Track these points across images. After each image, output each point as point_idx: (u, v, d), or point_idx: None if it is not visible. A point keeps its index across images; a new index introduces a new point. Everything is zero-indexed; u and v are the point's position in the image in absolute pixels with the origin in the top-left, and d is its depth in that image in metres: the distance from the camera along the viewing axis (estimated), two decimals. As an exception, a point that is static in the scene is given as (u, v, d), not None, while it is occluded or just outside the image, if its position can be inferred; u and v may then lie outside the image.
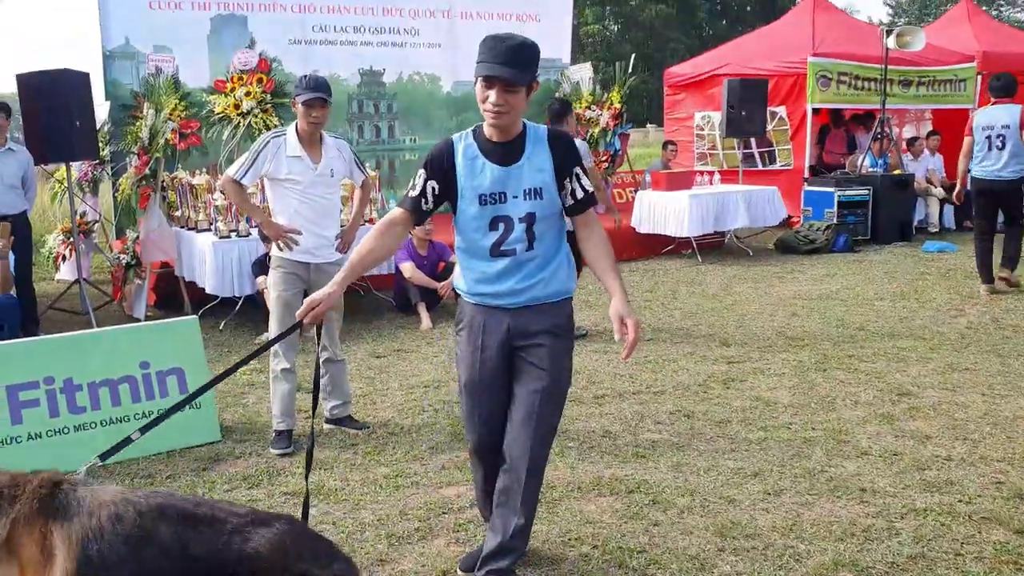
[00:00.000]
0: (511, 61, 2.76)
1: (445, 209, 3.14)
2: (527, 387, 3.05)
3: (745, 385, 5.60)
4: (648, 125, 33.57)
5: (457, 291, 3.20)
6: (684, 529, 3.63)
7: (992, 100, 8.10)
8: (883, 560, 3.33)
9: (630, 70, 12.01)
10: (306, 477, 3.02)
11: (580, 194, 3.01)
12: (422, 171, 2.99)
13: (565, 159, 2.98)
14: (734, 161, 13.65)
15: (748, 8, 46.96)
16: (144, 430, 2.48)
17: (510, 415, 3.09)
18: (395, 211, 3.05)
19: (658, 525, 3.68)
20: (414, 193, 3.00)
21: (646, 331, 6.91)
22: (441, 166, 2.97)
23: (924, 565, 3.28)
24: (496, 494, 3.12)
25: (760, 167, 13.57)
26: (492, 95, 2.79)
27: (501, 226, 2.96)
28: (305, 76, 4.56)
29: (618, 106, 11.96)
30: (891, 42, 11.33)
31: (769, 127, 13.17)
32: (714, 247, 11.20)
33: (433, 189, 2.98)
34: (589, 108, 11.56)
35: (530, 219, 2.97)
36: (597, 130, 12.15)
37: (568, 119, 7.18)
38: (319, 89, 4.44)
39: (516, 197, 2.94)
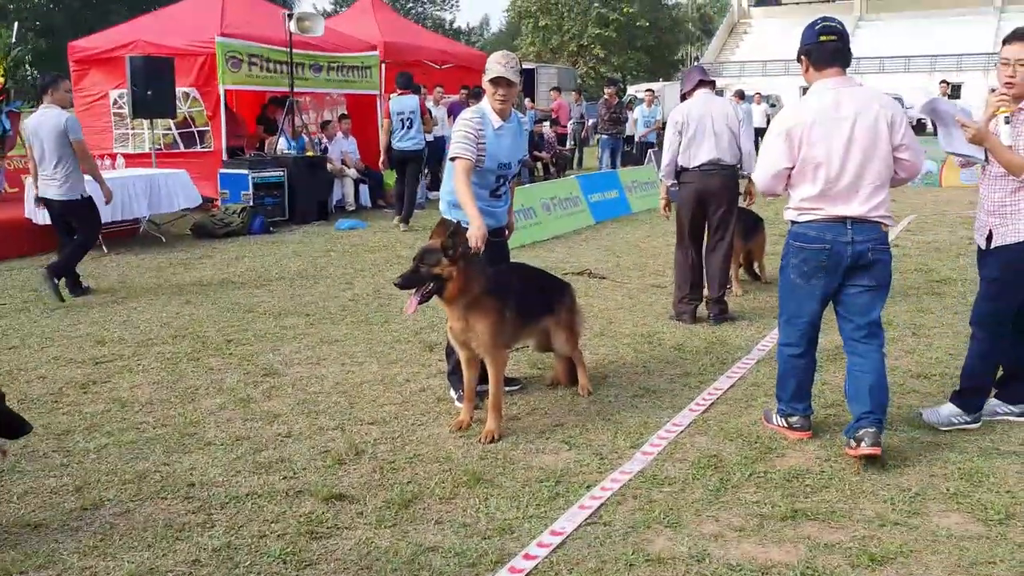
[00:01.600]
0: None
1: None
2: None
3: (106, 387, 5.06)
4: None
5: None
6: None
7: (399, 92, 11.18)
8: (186, 560, 3.11)
9: (14, 39, 10.41)
10: None
11: None
12: None
13: None
14: (166, 141, 12.91)
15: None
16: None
17: None
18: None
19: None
20: None
21: None
22: None
23: (226, 555, 3.14)
24: None
25: (183, 149, 13.00)
26: None
27: None
28: None
29: (1, 80, 10.36)
30: (293, 26, 11.57)
31: (185, 108, 12.64)
32: (127, 235, 10.34)
33: None
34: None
35: None
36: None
37: (53, 92, 7.26)
38: None
39: None
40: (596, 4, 52.19)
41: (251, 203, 10.93)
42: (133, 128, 13.00)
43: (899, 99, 23.91)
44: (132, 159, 12.24)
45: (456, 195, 4.32)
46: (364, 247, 9.83)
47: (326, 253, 9.45)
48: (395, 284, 4.00)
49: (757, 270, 7.60)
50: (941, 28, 46.62)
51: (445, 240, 3.97)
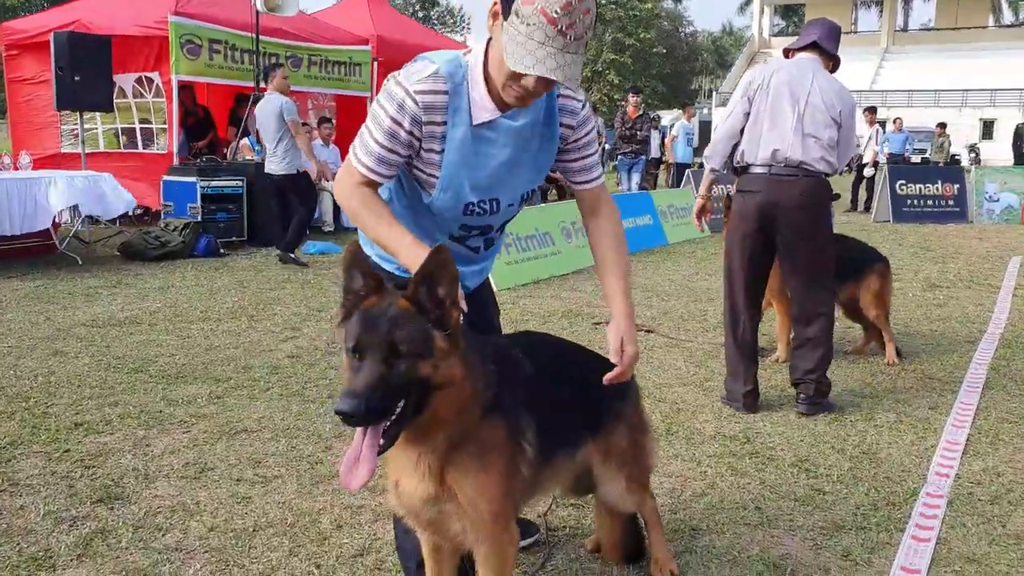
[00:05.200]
0: None
1: None
2: None
3: None
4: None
5: None
6: None
7: None
8: None
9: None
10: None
11: None
12: None
13: None
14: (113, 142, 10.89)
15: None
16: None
17: None
18: None
19: None
20: None
21: None
22: None
23: None
24: None
25: (140, 150, 10.97)
26: None
27: None
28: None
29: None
30: (259, 4, 9.48)
31: (148, 97, 10.61)
32: (39, 254, 8.20)
33: None
34: None
35: None
36: None
37: (272, 79, 8.18)
38: None
39: None
40: (611, 29, 50.56)
41: (198, 218, 8.78)
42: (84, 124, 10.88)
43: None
44: (58, 160, 10.19)
45: (369, 236, 2.08)
46: (331, 277, 7.65)
47: (280, 284, 7.25)
48: (343, 414, 1.62)
49: (872, 319, 5.19)
50: (970, 63, 44.77)
51: (415, 291, 1.75)
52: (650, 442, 2.43)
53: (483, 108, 2.00)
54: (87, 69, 8.83)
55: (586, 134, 2.21)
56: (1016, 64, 43.54)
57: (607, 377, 2.09)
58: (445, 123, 1.99)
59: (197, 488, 3.13)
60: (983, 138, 39.02)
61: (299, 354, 5.00)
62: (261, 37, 9.97)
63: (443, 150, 2.01)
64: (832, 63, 4.13)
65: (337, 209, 10.92)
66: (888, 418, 4.01)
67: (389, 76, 2.04)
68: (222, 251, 8.70)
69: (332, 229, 10.75)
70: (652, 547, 2.56)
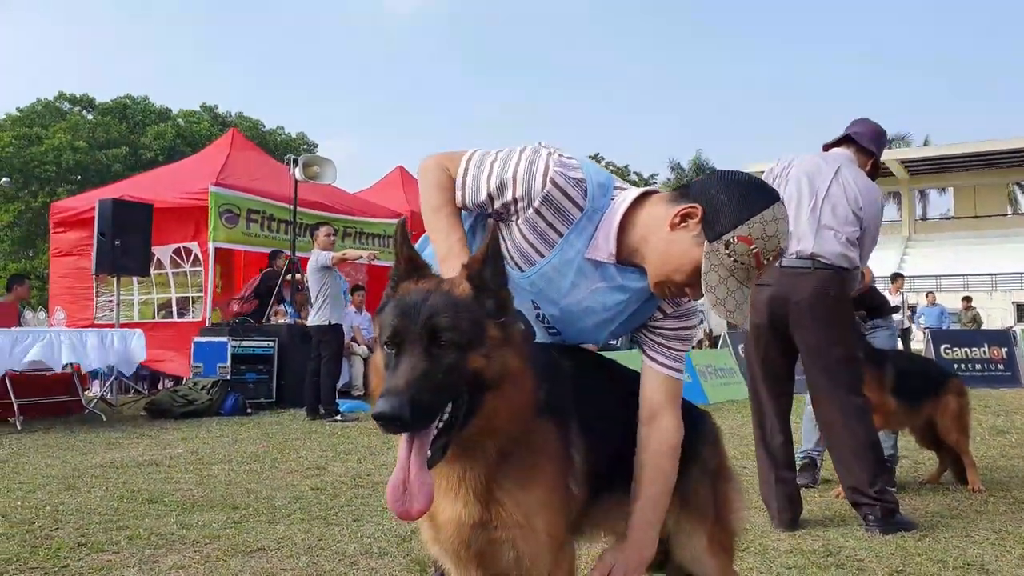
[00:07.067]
0: None
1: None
2: None
3: None
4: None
5: None
6: None
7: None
8: None
9: None
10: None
11: None
12: None
13: None
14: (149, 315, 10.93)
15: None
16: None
17: None
18: None
19: None
20: None
21: None
22: None
23: None
24: None
25: (175, 319, 11.03)
26: None
27: None
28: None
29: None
30: (298, 173, 9.81)
31: (186, 267, 10.80)
32: (64, 412, 8.03)
33: None
34: None
35: None
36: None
37: (315, 239, 8.62)
38: None
39: None
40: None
41: (228, 377, 8.61)
42: (120, 295, 10.97)
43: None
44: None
45: (425, 217, 1.93)
46: (359, 429, 7.33)
47: (307, 435, 6.95)
48: (383, 417, 1.32)
49: (952, 444, 4.73)
50: (996, 248, 45.21)
51: (474, 267, 1.54)
52: (735, 495, 2.06)
53: (601, 249, 1.82)
54: (128, 235, 9.03)
55: (679, 328, 1.93)
56: (1037, 248, 43.89)
57: None
58: (562, 235, 1.81)
59: (205, 598, 2.75)
60: (1018, 320, 38.61)
61: (323, 487, 4.65)
62: (298, 208, 10.25)
63: (546, 258, 1.82)
64: (870, 162, 3.98)
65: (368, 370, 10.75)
66: (987, 535, 3.54)
67: (544, 148, 1.84)
68: (249, 411, 8.46)
69: (362, 394, 10.51)
70: (740, 643, 2.12)
